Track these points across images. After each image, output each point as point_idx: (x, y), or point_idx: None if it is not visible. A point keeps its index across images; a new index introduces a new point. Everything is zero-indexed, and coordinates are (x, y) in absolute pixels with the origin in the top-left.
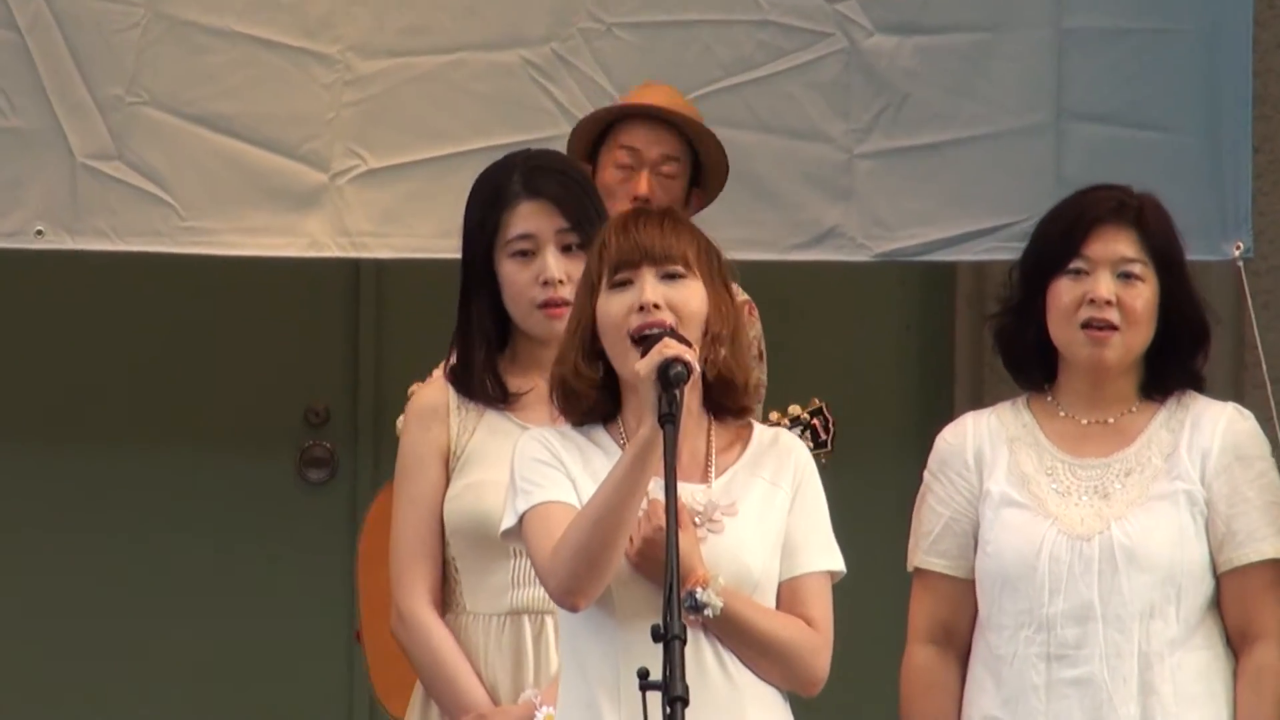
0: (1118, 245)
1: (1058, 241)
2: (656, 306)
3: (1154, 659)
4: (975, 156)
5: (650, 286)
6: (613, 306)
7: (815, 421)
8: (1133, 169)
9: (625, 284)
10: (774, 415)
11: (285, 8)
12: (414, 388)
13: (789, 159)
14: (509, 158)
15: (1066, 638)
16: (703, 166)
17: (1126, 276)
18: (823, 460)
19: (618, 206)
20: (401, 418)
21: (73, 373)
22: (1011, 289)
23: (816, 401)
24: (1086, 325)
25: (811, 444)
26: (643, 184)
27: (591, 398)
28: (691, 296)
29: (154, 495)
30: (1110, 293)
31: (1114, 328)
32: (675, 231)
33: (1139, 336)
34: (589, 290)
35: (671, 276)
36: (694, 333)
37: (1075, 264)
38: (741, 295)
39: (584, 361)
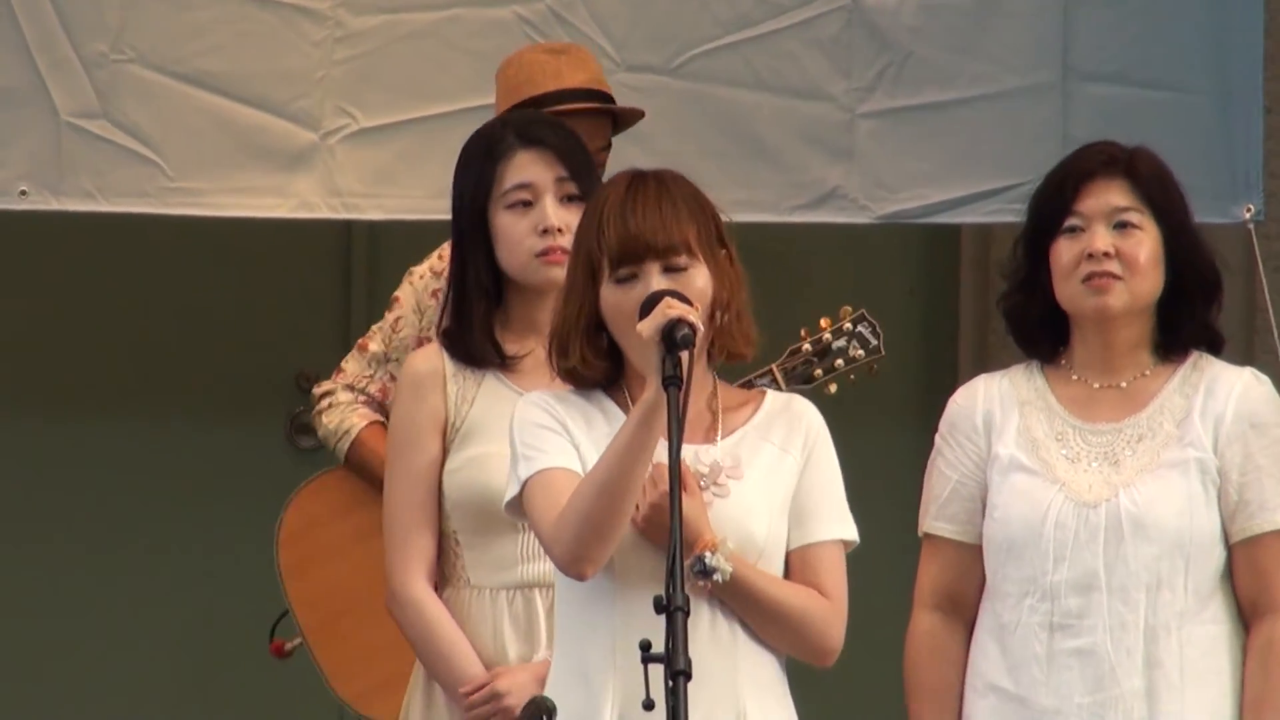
0: (1109, 196)
1: (1050, 203)
2: None
3: (1160, 632)
4: (980, 116)
5: (656, 283)
6: (620, 300)
7: (861, 328)
8: (1141, 129)
9: (630, 278)
10: (804, 332)
11: None
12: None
13: (789, 118)
14: (500, 118)
15: (1069, 607)
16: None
17: (1123, 226)
18: (874, 367)
19: None
20: (316, 388)
21: (57, 338)
22: (1016, 264)
23: (849, 309)
24: (1088, 279)
25: (863, 351)
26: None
27: (599, 377)
28: (695, 281)
29: (142, 461)
30: (1107, 244)
31: (1116, 278)
32: (674, 214)
33: (1144, 284)
34: (589, 277)
35: (674, 269)
36: (701, 313)
37: (1070, 222)
38: None
39: (590, 351)
